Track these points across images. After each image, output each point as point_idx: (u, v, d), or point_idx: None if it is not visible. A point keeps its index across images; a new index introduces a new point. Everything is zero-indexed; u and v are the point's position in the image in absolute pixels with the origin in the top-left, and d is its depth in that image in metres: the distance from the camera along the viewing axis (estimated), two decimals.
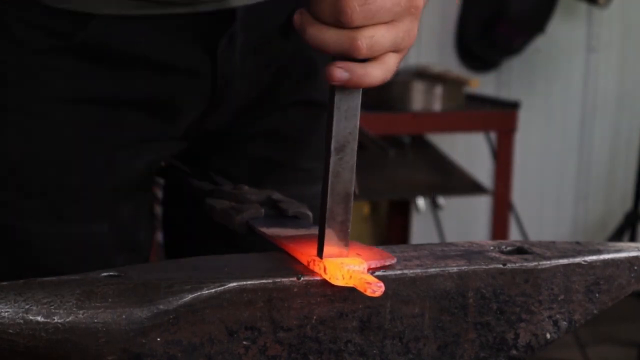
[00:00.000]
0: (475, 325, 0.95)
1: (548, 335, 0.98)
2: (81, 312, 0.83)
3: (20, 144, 1.19)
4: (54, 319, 0.83)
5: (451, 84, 3.58)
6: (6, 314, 0.82)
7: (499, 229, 3.60)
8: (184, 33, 1.19)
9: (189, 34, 1.19)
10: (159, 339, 0.85)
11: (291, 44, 1.26)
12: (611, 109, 4.44)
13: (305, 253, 0.92)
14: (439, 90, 3.50)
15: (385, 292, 0.87)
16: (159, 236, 1.50)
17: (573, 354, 3.65)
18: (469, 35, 4.06)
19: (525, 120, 3.91)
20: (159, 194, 1.44)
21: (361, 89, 0.90)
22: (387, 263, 0.92)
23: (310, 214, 1.09)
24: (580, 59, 4.35)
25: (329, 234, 0.91)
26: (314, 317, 0.89)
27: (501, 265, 0.95)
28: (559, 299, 0.98)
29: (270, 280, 0.88)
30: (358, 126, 0.90)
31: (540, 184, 4.38)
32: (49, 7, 1.15)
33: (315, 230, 0.95)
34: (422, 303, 0.93)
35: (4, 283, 0.85)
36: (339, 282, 0.88)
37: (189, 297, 0.85)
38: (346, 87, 0.89)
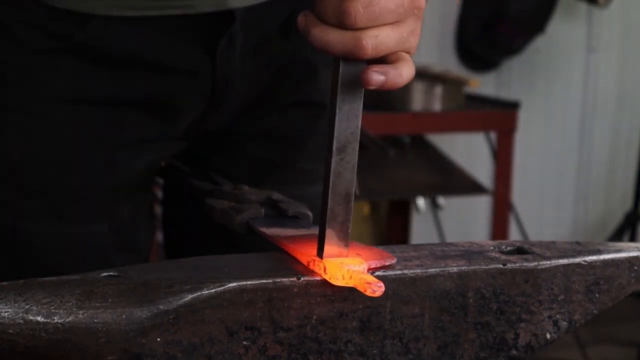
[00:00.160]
0: (475, 325, 0.95)
1: (548, 336, 0.98)
2: (81, 312, 0.83)
3: (20, 144, 1.19)
4: (54, 319, 0.83)
5: (451, 84, 3.58)
6: (6, 314, 0.82)
7: (499, 229, 3.60)
8: (183, 33, 1.19)
9: (188, 34, 1.19)
10: (159, 339, 0.85)
11: (291, 44, 1.26)
12: (611, 109, 4.44)
13: (305, 253, 0.92)
14: (439, 90, 3.50)
15: (385, 292, 0.87)
16: (159, 236, 1.50)
17: (573, 354, 3.65)
18: (469, 35, 4.06)
19: (525, 120, 3.91)
20: (159, 193, 1.44)
21: (363, 90, 0.90)
22: (387, 263, 0.92)
23: (310, 214, 1.09)
24: (580, 59, 4.35)
25: (330, 234, 0.91)
26: (314, 317, 0.89)
27: (501, 265, 0.95)
28: (559, 299, 0.98)
29: (270, 280, 0.88)
30: (360, 127, 0.90)
31: (540, 184, 4.39)
32: (48, 8, 1.15)
33: (315, 231, 0.95)
34: (422, 303, 0.93)
35: (4, 283, 0.85)
36: (339, 282, 0.88)
37: (189, 297, 0.85)
38: (352, 89, 0.89)
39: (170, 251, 1.44)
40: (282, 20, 1.25)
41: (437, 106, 3.51)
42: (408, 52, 0.91)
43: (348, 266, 0.88)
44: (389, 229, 4.06)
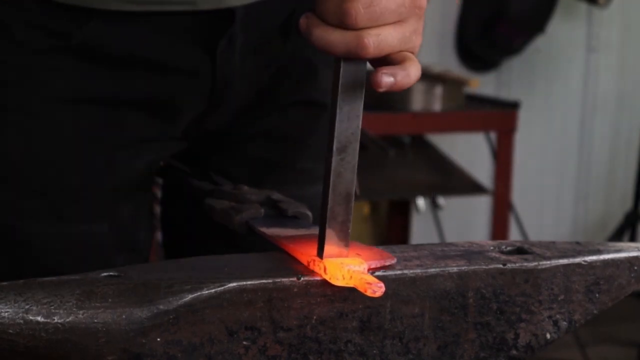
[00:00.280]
0: (475, 325, 0.95)
1: (548, 336, 0.98)
2: (81, 312, 0.83)
3: (20, 144, 1.19)
4: (54, 319, 0.83)
5: (451, 84, 3.58)
6: (6, 314, 0.82)
7: (499, 229, 3.60)
8: (183, 33, 1.19)
9: (188, 34, 1.19)
10: (159, 339, 0.85)
11: (291, 44, 1.26)
12: (611, 109, 4.44)
13: (305, 253, 0.92)
14: (439, 90, 3.50)
15: (385, 292, 0.87)
16: (159, 236, 1.50)
17: (573, 354, 3.65)
18: (469, 35, 4.06)
19: (525, 120, 3.91)
20: (159, 193, 1.44)
21: (364, 90, 0.90)
22: (387, 263, 0.92)
23: (309, 214, 1.09)
24: (580, 59, 4.35)
25: (330, 234, 0.91)
26: (314, 317, 0.89)
27: (501, 266, 0.95)
28: (559, 299, 0.98)
29: (270, 280, 0.88)
30: (360, 127, 0.90)
31: (540, 184, 4.39)
32: (48, 7, 1.15)
33: (314, 231, 0.95)
34: (422, 303, 0.93)
35: (4, 283, 0.85)
36: (339, 282, 0.88)
37: (189, 297, 0.85)
38: (352, 89, 0.89)
39: (170, 251, 1.44)
40: (282, 21, 1.25)
41: (437, 106, 3.51)
42: (412, 52, 0.91)
43: (348, 266, 0.88)
44: (389, 229, 4.06)
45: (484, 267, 0.95)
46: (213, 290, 0.86)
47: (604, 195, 4.50)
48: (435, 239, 4.00)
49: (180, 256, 0.99)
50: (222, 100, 1.24)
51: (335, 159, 0.90)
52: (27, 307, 0.83)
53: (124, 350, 0.84)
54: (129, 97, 1.20)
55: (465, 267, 0.94)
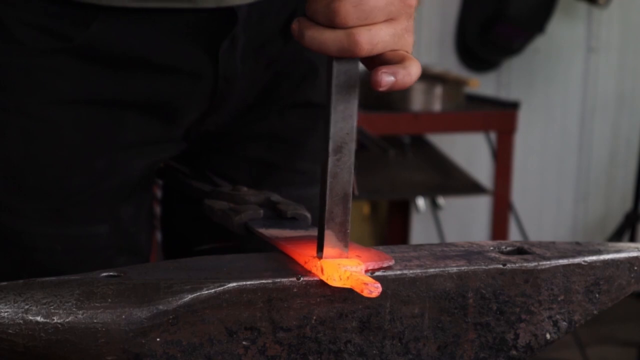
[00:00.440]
0: (475, 326, 0.95)
1: (548, 336, 0.98)
2: (81, 312, 0.83)
3: (21, 146, 1.19)
4: (54, 319, 0.83)
5: (451, 84, 3.58)
6: (6, 314, 0.82)
7: (498, 229, 3.60)
8: (185, 35, 1.19)
9: (190, 35, 1.19)
10: (158, 339, 0.85)
11: (291, 45, 1.26)
12: (611, 109, 4.44)
13: (304, 254, 0.92)
14: (439, 90, 3.50)
15: (385, 293, 0.87)
16: (159, 236, 1.50)
17: (573, 354, 3.65)
18: (469, 35, 4.06)
19: (525, 120, 3.91)
20: (159, 194, 1.44)
21: (358, 90, 0.90)
22: (385, 264, 0.92)
23: (308, 215, 1.09)
24: (580, 59, 4.35)
25: (329, 235, 0.91)
26: (314, 318, 0.89)
27: (501, 266, 0.95)
28: (559, 299, 0.98)
29: (269, 281, 0.88)
30: (355, 127, 0.90)
31: (540, 184, 4.39)
32: (50, 8, 1.15)
33: (313, 232, 0.95)
34: (421, 303, 0.93)
35: (4, 283, 0.85)
36: (335, 282, 0.88)
37: (188, 297, 0.85)
38: (346, 89, 0.89)
39: (170, 251, 1.44)
40: (283, 22, 1.25)
41: (437, 106, 3.51)
42: (406, 51, 0.91)
43: (345, 267, 0.88)
44: (389, 229, 4.06)
45: (483, 267, 0.95)
46: (212, 291, 0.86)
47: (604, 195, 4.50)
48: (435, 239, 4.00)
49: (180, 256, 0.99)
50: (223, 101, 1.24)
51: (331, 160, 0.90)
52: (26, 307, 0.83)
53: (124, 351, 0.84)
54: (130, 98, 1.20)
55: (465, 268, 0.94)
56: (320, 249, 0.91)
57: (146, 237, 1.30)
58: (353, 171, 0.91)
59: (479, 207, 4.19)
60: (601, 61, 4.38)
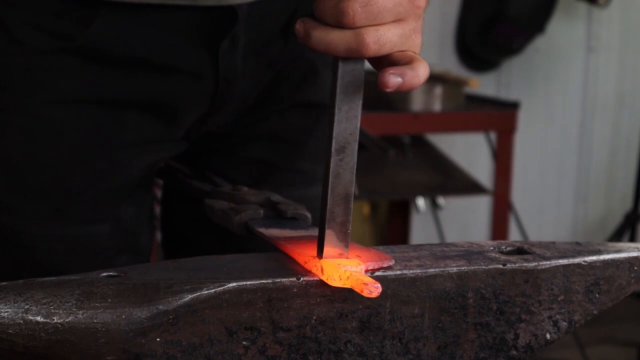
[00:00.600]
0: (475, 326, 0.95)
1: (548, 336, 0.98)
2: (81, 312, 0.83)
3: (22, 146, 1.19)
4: (54, 319, 0.83)
5: (451, 84, 3.58)
6: (6, 314, 0.82)
7: (498, 229, 3.60)
8: (186, 34, 1.19)
9: (191, 35, 1.19)
10: (158, 339, 0.85)
11: (292, 45, 1.26)
12: (611, 109, 4.44)
13: (304, 254, 0.92)
14: (439, 90, 3.50)
15: (385, 293, 0.87)
16: (159, 236, 1.50)
17: (573, 354, 3.65)
18: (469, 35, 4.06)
19: (525, 120, 3.91)
20: (159, 194, 1.44)
21: (362, 91, 0.90)
22: (385, 264, 0.92)
23: (308, 215, 1.09)
24: (580, 59, 4.35)
25: (329, 234, 0.91)
26: (314, 318, 0.89)
27: (501, 266, 0.95)
28: (559, 299, 0.98)
29: (269, 281, 0.88)
30: (359, 127, 0.90)
31: (540, 184, 4.39)
32: (52, 7, 1.15)
33: (313, 232, 0.95)
34: (421, 303, 0.93)
35: (4, 283, 0.85)
36: (335, 282, 0.88)
37: (188, 297, 0.85)
38: (351, 90, 0.89)
39: (170, 251, 1.44)
40: (284, 22, 1.25)
41: (437, 106, 3.51)
42: (414, 52, 0.91)
43: (345, 267, 0.88)
44: (389, 229, 4.06)
45: (483, 267, 0.95)
46: (212, 291, 0.86)
47: (604, 195, 4.50)
48: (435, 239, 4.00)
49: (180, 256, 0.99)
50: (224, 101, 1.24)
51: (333, 160, 0.90)
52: (26, 307, 0.83)
53: (124, 351, 0.84)
54: (131, 98, 1.20)
55: (465, 268, 0.94)
56: (320, 248, 0.91)
57: (147, 237, 1.30)
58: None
59: (479, 207, 4.20)
60: (601, 61, 4.38)
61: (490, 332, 0.96)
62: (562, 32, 4.24)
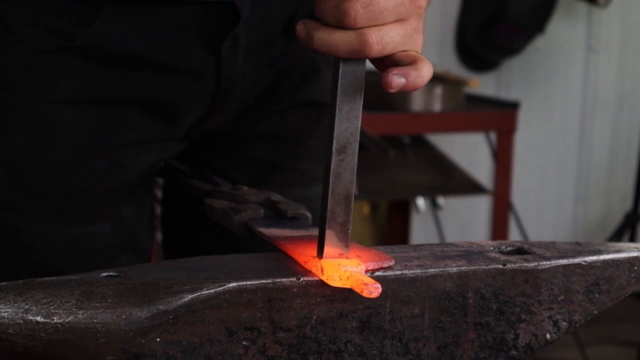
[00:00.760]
0: (475, 326, 0.95)
1: (548, 336, 0.98)
2: (81, 312, 0.83)
3: (23, 145, 1.19)
4: (54, 319, 0.83)
5: (451, 84, 3.58)
6: (6, 314, 0.82)
7: (498, 229, 3.60)
8: (187, 34, 1.19)
9: (193, 35, 1.19)
10: (158, 339, 0.85)
11: (293, 44, 1.26)
12: (611, 109, 4.44)
13: (304, 254, 0.92)
14: (439, 90, 3.50)
15: (385, 293, 0.87)
16: (159, 236, 1.50)
17: (573, 354, 3.65)
18: (469, 35, 4.06)
19: (525, 120, 3.91)
20: (159, 193, 1.44)
21: (363, 91, 0.90)
22: (385, 265, 0.92)
23: (309, 215, 1.09)
24: (580, 59, 4.35)
25: (329, 234, 0.91)
26: (314, 318, 0.89)
27: (501, 266, 0.95)
28: (559, 299, 0.98)
29: (269, 281, 0.88)
30: (359, 127, 0.90)
31: (540, 184, 4.39)
32: (52, 7, 1.15)
33: (313, 232, 0.95)
34: (422, 303, 0.93)
35: (4, 283, 0.85)
36: (335, 283, 0.88)
37: (188, 297, 0.85)
38: (352, 90, 0.89)
39: (170, 251, 1.44)
40: (285, 21, 1.25)
41: (437, 106, 3.51)
42: (416, 52, 0.91)
43: (345, 267, 0.88)
44: (389, 229, 4.06)
45: (483, 267, 0.95)
46: (212, 291, 0.86)
47: (604, 195, 4.50)
48: (435, 239, 4.00)
49: (180, 256, 0.99)
50: (224, 101, 1.24)
51: (334, 160, 0.90)
52: (26, 307, 0.83)
53: (124, 351, 0.84)
54: (132, 97, 1.20)
55: (465, 268, 0.94)
56: (320, 248, 0.91)
57: (148, 236, 1.30)
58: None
59: (479, 207, 4.20)
60: (601, 61, 4.38)
61: (490, 332, 0.96)
62: (562, 32, 4.24)
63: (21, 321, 0.82)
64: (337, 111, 0.89)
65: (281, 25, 1.25)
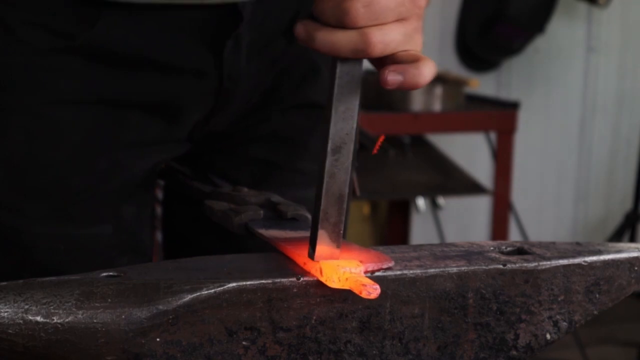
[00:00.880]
0: (475, 326, 0.95)
1: (548, 336, 0.98)
2: (80, 312, 0.83)
3: (23, 146, 1.18)
4: (53, 319, 0.83)
5: (451, 84, 3.58)
6: (6, 314, 0.82)
7: (498, 229, 3.60)
8: (189, 34, 1.19)
9: (195, 35, 1.19)
10: (158, 339, 0.85)
11: (294, 45, 1.26)
12: (611, 109, 4.44)
13: (303, 255, 0.92)
14: (439, 90, 3.50)
15: (385, 293, 0.87)
16: (159, 236, 1.50)
17: (573, 354, 3.65)
18: (469, 35, 4.06)
19: (525, 120, 3.91)
20: (160, 194, 1.44)
21: (359, 90, 0.89)
22: (385, 266, 0.91)
23: (309, 216, 1.09)
24: (580, 59, 4.35)
25: (322, 235, 0.91)
26: (314, 318, 0.89)
27: (501, 266, 0.95)
28: (559, 299, 0.98)
29: (269, 281, 0.88)
30: (355, 127, 0.90)
31: (540, 184, 4.39)
32: (53, 7, 1.15)
33: None
34: (422, 303, 0.93)
35: (4, 283, 0.85)
36: (335, 284, 0.88)
37: (188, 297, 0.85)
38: (348, 90, 0.89)
39: (170, 251, 1.44)
40: (287, 22, 1.25)
41: (437, 106, 3.52)
42: (417, 51, 0.91)
43: (344, 268, 0.88)
44: (389, 229, 4.06)
45: (483, 267, 0.95)
46: (212, 291, 0.86)
47: (604, 195, 4.50)
48: (435, 239, 4.00)
49: (180, 256, 0.99)
50: (227, 101, 1.24)
51: (329, 160, 0.89)
52: (26, 307, 0.83)
53: (123, 351, 0.84)
54: (133, 98, 1.20)
55: (465, 268, 0.94)
56: (312, 248, 0.91)
57: (149, 237, 1.30)
58: (352, 171, 0.91)
59: (479, 207, 4.20)
60: (601, 61, 4.38)
61: (490, 332, 0.96)
62: (562, 32, 4.24)
63: (21, 321, 0.82)
64: (333, 111, 0.89)
65: (283, 25, 1.25)
